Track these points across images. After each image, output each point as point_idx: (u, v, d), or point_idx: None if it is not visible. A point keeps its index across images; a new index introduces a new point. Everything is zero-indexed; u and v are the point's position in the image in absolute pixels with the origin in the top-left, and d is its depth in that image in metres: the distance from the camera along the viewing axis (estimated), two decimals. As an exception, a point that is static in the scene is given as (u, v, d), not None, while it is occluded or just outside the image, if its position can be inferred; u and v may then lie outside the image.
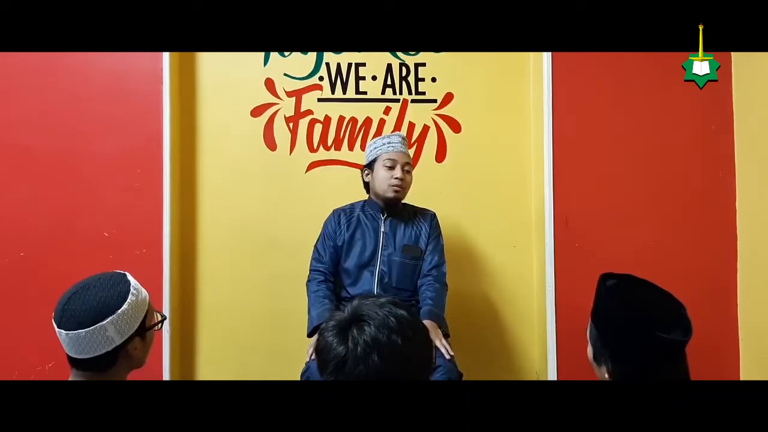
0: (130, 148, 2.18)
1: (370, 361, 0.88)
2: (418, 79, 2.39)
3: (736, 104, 2.25)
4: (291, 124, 2.36)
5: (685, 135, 2.26)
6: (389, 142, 1.92)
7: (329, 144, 2.37)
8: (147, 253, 2.15)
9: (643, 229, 2.25)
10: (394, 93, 2.38)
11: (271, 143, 2.35)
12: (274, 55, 2.36)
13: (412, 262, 1.92)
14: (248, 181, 2.34)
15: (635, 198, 2.25)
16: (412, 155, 2.19)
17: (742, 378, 2.20)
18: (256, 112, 2.35)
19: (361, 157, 2.26)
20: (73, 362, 1.08)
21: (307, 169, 2.36)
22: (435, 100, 2.39)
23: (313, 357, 1.33)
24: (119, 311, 1.06)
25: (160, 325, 1.20)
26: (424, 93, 2.39)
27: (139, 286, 1.14)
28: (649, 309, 0.98)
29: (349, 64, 2.37)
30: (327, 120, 2.37)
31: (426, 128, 2.39)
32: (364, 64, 2.37)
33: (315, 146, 2.36)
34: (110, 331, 1.05)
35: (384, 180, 1.89)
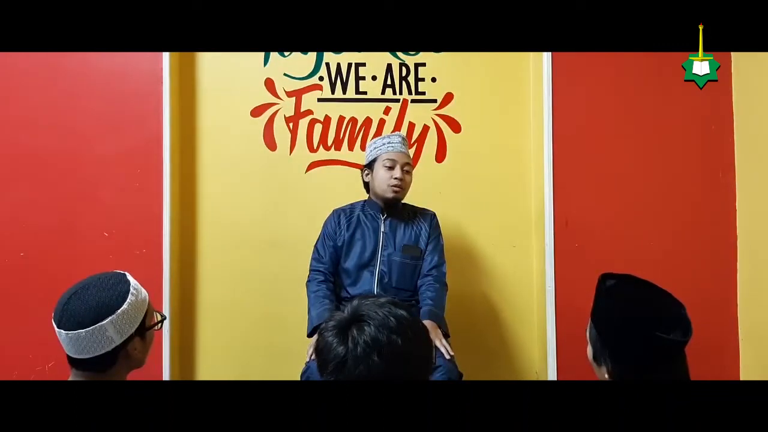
0: (130, 148, 2.18)
1: (370, 361, 0.88)
2: (418, 79, 2.39)
3: (736, 104, 2.25)
4: (291, 124, 2.36)
5: (685, 135, 2.26)
6: (389, 142, 1.92)
7: (329, 144, 2.37)
8: (147, 253, 2.15)
9: (643, 230, 2.25)
10: (394, 93, 2.38)
11: (271, 143, 2.36)
12: (274, 55, 2.36)
13: (412, 262, 1.92)
14: (248, 181, 2.34)
15: (635, 198, 2.25)
16: (412, 155, 2.19)
17: (742, 378, 2.20)
18: (256, 112, 2.35)
19: (361, 157, 2.26)
20: (73, 362, 1.08)
21: (307, 169, 2.36)
22: (435, 100, 2.39)
23: (313, 357, 1.33)
24: (119, 311, 1.06)
25: (159, 325, 1.20)
26: (424, 93, 2.39)
27: (138, 286, 1.14)
28: (649, 309, 0.98)
29: (349, 64, 2.37)
30: (327, 120, 2.37)
31: (426, 128, 2.39)
32: (364, 64, 2.37)
33: (315, 146, 2.36)
34: (110, 331, 1.05)
35: (383, 180, 1.89)
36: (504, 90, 2.41)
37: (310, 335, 1.79)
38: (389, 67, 2.38)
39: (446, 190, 2.38)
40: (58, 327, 1.05)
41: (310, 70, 2.37)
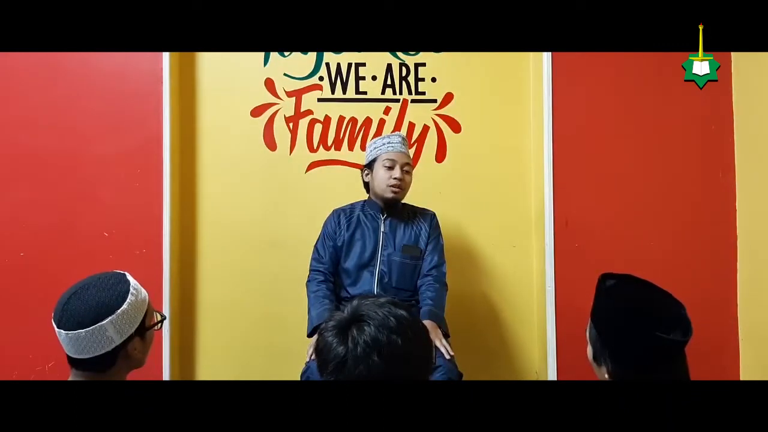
0: (130, 148, 2.18)
1: (370, 361, 0.88)
2: (418, 79, 2.39)
3: (736, 104, 2.25)
4: (291, 124, 2.36)
5: (685, 135, 2.26)
6: (389, 142, 1.92)
7: (329, 144, 2.37)
8: (147, 253, 2.15)
9: (643, 230, 2.25)
10: (394, 93, 2.38)
11: (271, 143, 2.36)
12: (274, 55, 2.36)
13: (412, 262, 1.92)
14: (248, 181, 2.34)
15: (635, 198, 2.25)
16: (412, 155, 2.19)
17: (742, 378, 2.20)
18: (256, 112, 2.35)
19: (360, 157, 2.26)
20: (73, 362, 1.08)
21: (307, 169, 2.36)
22: (435, 100, 2.39)
23: (313, 357, 1.33)
24: (119, 311, 1.06)
25: (159, 324, 1.20)
26: (424, 93, 2.39)
27: (138, 285, 1.14)
28: (648, 309, 0.98)
29: (349, 64, 2.37)
30: (327, 120, 2.37)
31: (426, 128, 2.39)
32: (364, 64, 2.37)
33: (315, 146, 2.36)
34: (110, 331, 1.05)
35: (383, 180, 1.88)
36: (504, 90, 2.41)
37: (310, 335, 1.79)
38: (389, 67, 2.38)
39: (446, 190, 2.38)
40: (58, 327, 1.05)
41: (310, 70, 2.37)
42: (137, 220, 2.16)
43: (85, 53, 2.16)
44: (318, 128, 2.36)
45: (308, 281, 1.93)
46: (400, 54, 2.38)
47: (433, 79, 2.39)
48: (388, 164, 1.89)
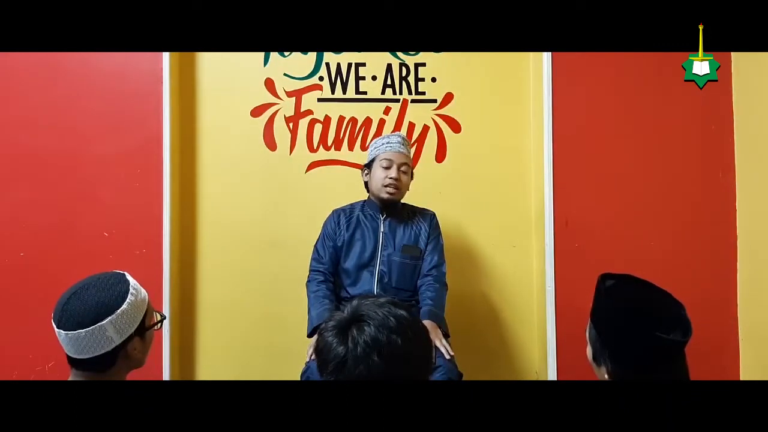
0: (130, 148, 2.18)
1: (370, 361, 0.88)
2: (418, 79, 2.39)
3: (736, 104, 2.25)
4: (291, 124, 2.36)
5: (685, 135, 2.26)
6: (388, 142, 1.92)
7: (329, 144, 2.37)
8: (147, 253, 2.15)
9: (643, 230, 2.25)
10: (394, 93, 2.38)
11: (271, 143, 2.36)
12: (274, 55, 2.36)
13: (412, 262, 1.92)
14: (248, 181, 2.34)
15: (635, 198, 2.25)
16: (412, 155, 2.19)
17: (742, 378, 2.20)
18: (256, 112, 2.35)
19: (360, 157, 2.27)
20: (73, 362, 1.08)
21: (307, 169, 2.36)
22: (435, 100, 2.39)
23: (313, 357, 1.33)
24: (118, 311, 1.06)
25: (159, 324, 1.20)
26: (424, 93, 2.39)
27: (138, 285, 1.14)
28: (648, 309, 0.98)
29: (349, 64, 2.37)
30: (327, 120, 2.37)
31: (426, 128, 2.39)
32: (364, 64, 2.37)
33: (315, 146, 2.36)
34: (110, 331, 1.05)
35: (379, 180, 1.89)
36: (504, 90, 2.41)
37: (310, 335, 1.79)
38: (389, 67, 2.38)
39: (446, 190, 2.38)
40: (58, 327, 1.05)
41: (310, 70, 2.37)
42: (137, 220, 2.16)
43: (85, 53, 2.16)
44: (318, 128, 2.36)
45: (308, 281, 1.93)
46: (400, 54, 2.38)
47: (433, 79, 2.39)
48: (385, 164, 1.89)
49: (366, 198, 2.01)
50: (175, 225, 2.21)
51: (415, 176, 2.01)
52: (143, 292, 1.15)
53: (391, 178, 1.87)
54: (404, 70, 2.38)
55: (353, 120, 2.37)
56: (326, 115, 2.37)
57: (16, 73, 2.16)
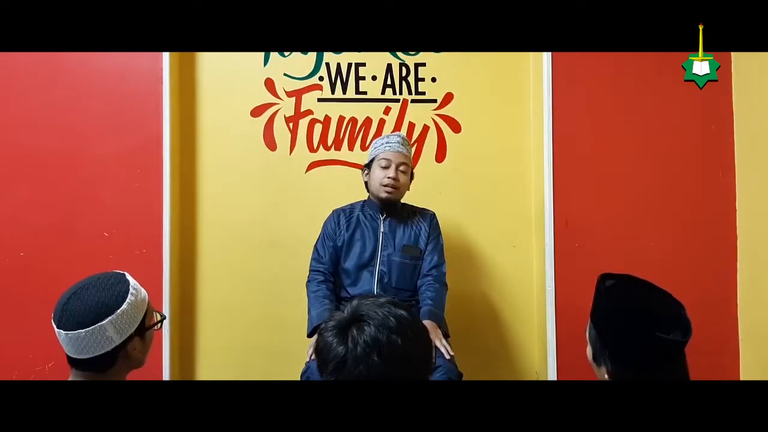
0: (130, 148, 2.18)
1: (370, 361, 0.88)
2: (418, 79, 2.39)
3: (736, 104, 2.25)
4: (291, 124, 2.36)
5: (685, 135, 2.26)
6: (387, 142, 1.92)
7: (329, 144, 2.37)
8: (147, 253, 2.15)
9: (643, 230, 2.25)
10: (394, 93, 2.38)
11: (271, 143, 2.36)
12: (274, 55, 2.36)
13: (412, 262, 1.92)
14: (248, 181, 2.34)
15: (635, 198, 2.25)
16: (412, 155, 2.19)
17: (742, 378, 2.20)
18: (256, 112, 2.35)
19: (360, 157, 2.27)
20: (73, 362, 1.08)
21: (307, 169, 2.36)
22: (435, 100, 2.39)
23: (313, 357, 1.33)
24: (118, 311, 1.06)
25: (159, 324, 1.20)
26: (424, 93, 2.39)
27: (138, 285, 1.14)
28: (648, 309, 0.98)
29: (349, 64, 2.37)
30: (327, 120, 2.37)
31: (426, 128, 2.39)
32: (364, 64, 2.37)
33: (315, 146, 2.36)
34: (110, 331, 1.05)
35: (377, 179, 1.89)
36: (504, 90, 2.41)
37: (310, 335, 1.79)
38: (389, 67, 2.38)
39: (446, 190, 2.38)
40: (58, 327, 1.05)
41: (310, 70, 2.37)
42: (137, 220, 2.16)
43: (85, 53, 2.16)
44: (318, 128, 2.36)
45: (308, 281, 1.93)
46: (400, 54, 2.38)
47: (433, 79, 2.39)
48: (383, 164, 1.89)
49: (366, 198, 2.01)
50: (175, 225, 2.21)
51: (415, 176, 2.01)
52: (143, 292, 1.15)
53: (389, 177, 1.87)
54: (404, 70, 2.38)
55: (353, 120, 2.37)
56: (326, 115, 2.37)
57: (16, 73, 2.16)
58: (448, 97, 2.39)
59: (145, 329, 1.14)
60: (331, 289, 1.90)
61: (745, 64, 2.19)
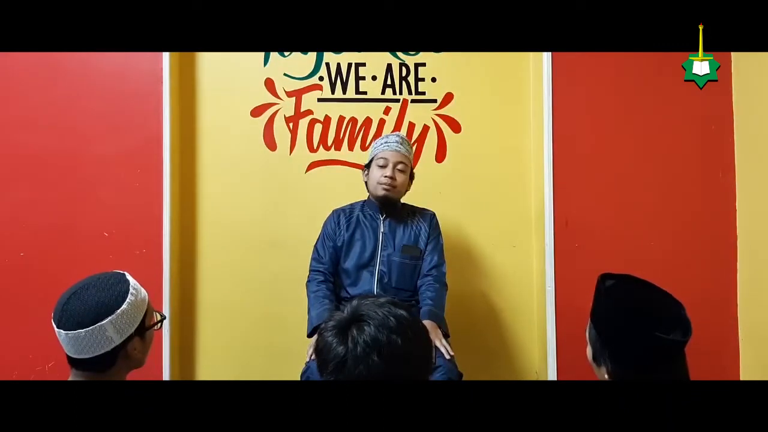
0: (130, 148, 2.18)
1: (370, 361, 0.88)
2: (418, 79, 2.39)
3: (736, 104, 2.25)
4: (291, 124, 2.36)
5: (685, 135, 2.26)
6: (385, 142, 1.93)
7: (329, 144, 2.37)
8: (147, 253, 2.15)
9: (643, 230, 2.25)
10: (394, 93, 2.38)
11: (271, 143, 2.36)
12: (274, 55, 2.36)
13: (412, 262, 1.92)
14: (248, 181, 2.34)
15: (635, 198, 2.25)
16: (412, 155, 2.18)
17: (742, 378, 2.20)
18: (256, 112, 2.35)
19: (360, 157, 2.27)
20: (73, 362, 1.08)
21: (307, 169, 2.36)
22: (435, 100, 2.39)
23: (313, 357, 1.33)
24: (118, 311, 1.06)
25: (159, 324, 1.20)
26: (424, 93, 2.39)
27: (138, 285, 1.14)
28: (648, 309, 0.98)
29: (349, 64, 2.37)
30: (327, 120, 2.37)
31: (426, 128, 2.39)
32: (364, 64, 2.37)
33: (315, 146, 2.36)
34: (109, 331, 1.05)
35: (375, 178, 1.89)
36: (504, 90, 2.41)
37: (310, 335, 1.79)
38: (389, 67, 2.38)
39: (446, 190, 2.38)
40: (58, 327, 1.05)
41: (310, 70, 2.37)
42: (137, 220, 2.16)
43: (85, 53, 2.16)
44: (318, 128, 2.36)
45: (308, 281, 1.93)
46: (400, 54, 2.38)
47: (433, 79, 2.39)
48: (381, 162, 1.89)
49: (366, 198, 2.01)
50: (175, 225, 2.21)
51: (415, 176, 2.01)
52: (143, 292, 1.15)
53: (386, 176, 1.87)
54: (404, 70, 2.38)
55: (353, 120, 2.37)
56: (326, 115, 2.37)
57: (16, 73, 2.16)
58: (448, 97, 2.39)
59: (145, 329, 1.14)
60: (331, 289, 1.90)
61: (745, 64, 2.19)
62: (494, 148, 2.40)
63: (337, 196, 2.16)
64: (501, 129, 2.40)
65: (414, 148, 2.36)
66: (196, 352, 2.34)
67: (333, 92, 2.37)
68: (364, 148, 2.35)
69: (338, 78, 2.37)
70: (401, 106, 2.38)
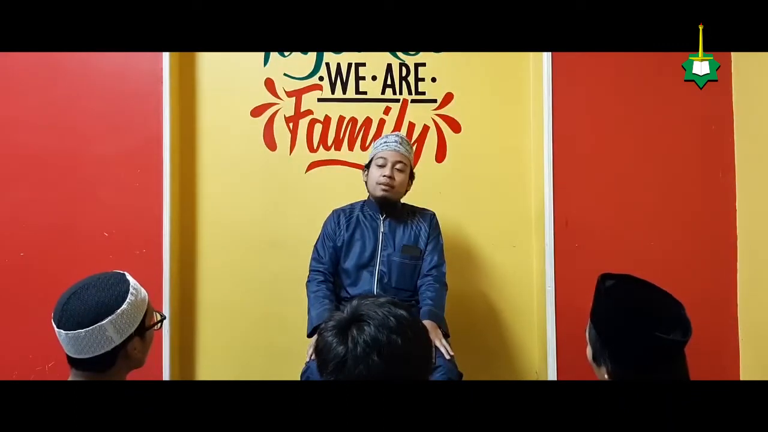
0: (130, 148, 2.18)
1: (370, 361, 0.88)
2: (418, 79, 2.39)
3: (736, 104, 2.25)
4: (291, 124, 2.36)
5: (685, 135, 2.26)
6: (384, 142, 1.93)
7: (329, 144, 2.37)
8: (147, 253, 2.15)
9: (643, 230, 2.25)
10: (394, 93, 2.38)
11: (271, 143, 2.36)
12: (274, 55, 2.36)
13: (412, 262, 1.92)
14: (248, 181, 2.34)
15: (635, 198, 2.25)
16: (412, 155, 2.18)
17: (742, 378, 2.20)
18: (256, 112, 2.35)
19: (360, 157, 2.27)
20: (73, 362, 1.08)
21: (307, 169, 2.36)
22: (435, 100, 2.39)
23: (313, 357, 1.33)
24: (118, 311, 1.06)
25: (159, 324, 1.20)
26: (424, 93, 2.39)
27: (138, 285, 1.14)
28: (648, 309, 0.98)
29: (349, 64, 2.37)
30: (327, 120, 2.37)
31: (426, 128, 2.39)
32: (364, 64, 2.37)
33: (315, 146, 2.36)
34: (109, 331, 1.05)
35: (373, 178, 1.89)
36: (504, 90, 2.41)
37: (310, 335, 1.79)
38: (389, 67, 2.38)
39: (446, 190, 2.38)
40: (58, 327, 1.05)
41: (310, 70, 2.37)
42: (137, 220, 2.16)
43: (85, 53, 2.16)
44: (318, 128, 2.36)
45: (308, 281, 1.93)
46: (400, 54, 2.38)
47: (433, 79, 2.39)
48: (380, 162, 1.89)
49: (366, 198, 2.01)
50: (175, 225, 2.21)
51: (415, 176, 2.00)
52: (143, 292, 1.15)
53: (384, 176, 1.87)
54: (404, 70, 2.38)
55: (353, 120, 2.37)
56: (326, 115, 2.37)
57: (16, 73, 2.16)
58: (448, 97, 2.39)
59: (145, 329, 1.14)
60: (331, 289, 1.90)
61: (745, 64, 2.19)
62: (494, 148, 2.40)
63: (337, 196, 2.16)
64: (501, 129, 2.40)
65: (414, 148, 2.36)
66: (196, 352, 2.33)
67: (333, 92, 2.37)
68: (364, 148, 2.35)
69: (338, 78, 2.37)
70: (401, 106, 2.38)
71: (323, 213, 2.03)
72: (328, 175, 2.36)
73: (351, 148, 2.37)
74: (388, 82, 2.38)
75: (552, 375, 2.19)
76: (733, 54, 2.23)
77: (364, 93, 2.37)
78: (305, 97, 2.36)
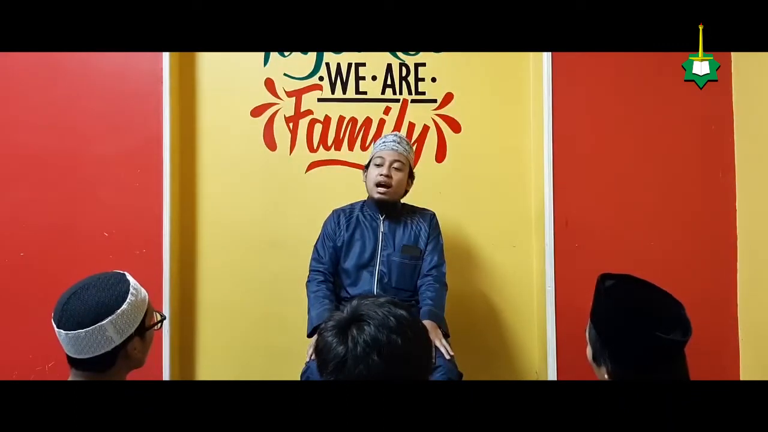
0: (130, 148, 2.18)
1: (370, 360, 0.88)
2: (418, 79, 2.39)
3: (736, 104, 2.25)
4: (291, 124, 2.36)
5: (685, 135, 2.26)
6: (383, 141, 1.93)
7: (329, 144, 2.37)
8: (147, 253, 2.15)
9: (643, 230, 2.25)
10: (394, 93, 2.38)
11: (271, 143, 2.36)
12: (274, 55, 2.36)
13: (412, 262, 1.92)
14: (248, 181, 2.34)
15: (635, 198, 2.25)
16: (412, 155, 2.18)
17: (742, 378, 2.20)
18: (256, 112, 2.35)
19: (360, 157, 2.28)
20: (73, 362, 1.08)
21: (307, 169, 2.36)
22: (435, 100, 2.39)
23: (313, 357, 1.33)
24: (118, 311, 1.06)
25: (159, 324, 1.20)
26: (424, 93, 2.39)
27: (138, 285, 1.14)
28: (648, 309, 0.98)
29: (349, 64, 2.37)
30: (327, 120, 2.37)
31: (426, 128, 2.39)
32: (364, 64, 2.37)
33: (315, 146, 2.36)
34: (110, 331, 1.05)
35: (372, 179, 1.89)
36: (504, 90, 2.41)
37: (310, 335, 1.79)
38: (389, 67, 2.38)
39: (446, 190, 2.38)
40: (58, 327, 1.05)
41: (310, 70, 2.37)
42: (137, 220, 2.16)
43: (85, 53, 2.16)
44: (318, 128, 2.36)
45: (308, 281, 1.93)
46: (400, 54, 2.38)
47: (433, 79, 2.39)
48: (378, 161, 1.89)
49: (366, 198, 2.01)
50: (175, 225, 2.21)
51: (415, 176, 2.00)
52: (143, 292, 1.15)
53: (381, 175, 1.86)
54: (404, 70, 2.38)
55: (353, 120, 2.37)
56: (326, 115, 2.37)
57: (16, 73, 2.16)
58: (448, 97, 2.39)
59: (145, 329, 1.14)
60: (331, 289, 1.90)
61: (745, 64, 2.19)
62: (494, 148, 2.40)
63: (337, 196, 2.16)
64: (501, 129, 2.40)
65: (414, 148, 2.36)
66: (196, 352, 2.33)
67: (333, 92, 2.37)
68: (364, 148, 2.35)
69: (338, 78, 2.37)
70: (401, 106, 2.38)
71: (323, 213, 2.03)
72: (328, 175, 2.36)
73: (351, 148, 2.37)
74: (388, 82, 2.38)
75: (552, 375, 2.19)
76: (733, 54, 2.23)
77: (364, 93, 2.37)
78: (305, 97, 2.36)
